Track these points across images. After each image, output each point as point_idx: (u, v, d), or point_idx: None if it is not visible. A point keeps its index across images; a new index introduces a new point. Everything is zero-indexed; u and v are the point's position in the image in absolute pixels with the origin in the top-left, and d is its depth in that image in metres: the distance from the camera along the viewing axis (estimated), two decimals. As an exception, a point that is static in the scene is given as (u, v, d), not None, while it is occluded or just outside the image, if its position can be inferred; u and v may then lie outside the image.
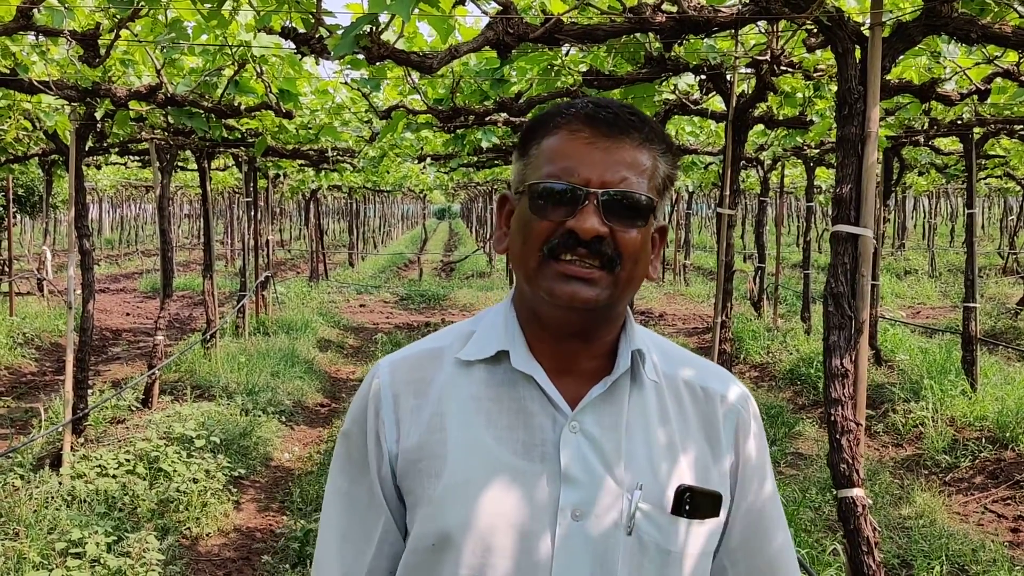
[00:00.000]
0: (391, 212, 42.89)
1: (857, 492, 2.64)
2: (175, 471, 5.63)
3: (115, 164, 12.96)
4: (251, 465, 6.55)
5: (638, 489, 1.26)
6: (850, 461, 2.64)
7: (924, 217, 31.60)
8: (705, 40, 3.35)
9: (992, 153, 10.37)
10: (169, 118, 5.47)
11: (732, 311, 4.92)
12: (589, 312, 1.26)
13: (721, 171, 4.75)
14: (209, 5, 2.71)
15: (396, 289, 19.07)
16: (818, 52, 3.57)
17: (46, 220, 15.32)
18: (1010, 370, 8.69)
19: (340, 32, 2.44)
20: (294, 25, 2.68)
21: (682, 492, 1.27)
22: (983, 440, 6.68)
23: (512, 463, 1.26)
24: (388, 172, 12.91)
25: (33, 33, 3.16)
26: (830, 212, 3.42)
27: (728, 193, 4.55)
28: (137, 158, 11.39)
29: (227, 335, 10.68)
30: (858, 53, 2.88)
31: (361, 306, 16.52)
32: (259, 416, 7.49)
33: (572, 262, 1.23)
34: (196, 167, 10.28)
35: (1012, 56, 4.23)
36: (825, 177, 16.19)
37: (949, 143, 9.55)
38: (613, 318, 1.31)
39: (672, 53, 3.66)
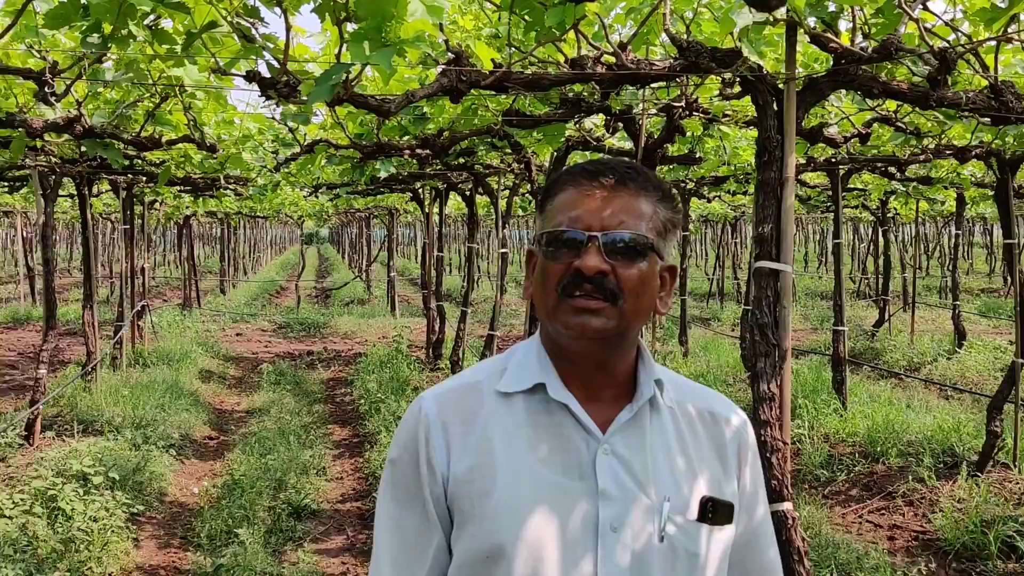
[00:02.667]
0: (260, 237, 41.98)
1: (787, 506, 2.88)
2: (74, 510, 5.46)
3: (-22, 189, 12.33)
4: (147, 501, 6.39)
5: (666, 501, 1.44)
6: (780, 478, 2.88)
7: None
8: (628, 88, 3.58)
9: (853, 186, 11.13)
10: (83, 147, 5.33)
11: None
12: (601, 341, 1.44)
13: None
14: (167, 46, 2.75)
15: (273, 317, 18.73)
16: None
17: None
18: (874, 388, 9.33)
19: (315, 79, 2.54)
20: (257, 70, 2.74)
21: (705, 501, 1.47)
22: (856, 455, 7.16)
23: (556, 482, 1.43)
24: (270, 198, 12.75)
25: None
26: (751, 249, 3.69)
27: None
28: (4, 184, 10.92)
29: (105, 367, 10.32)
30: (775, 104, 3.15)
31: (238, 335, 16.18)
32: (151, 451, 7.29)
33: (581, 297, 1.41)
34: (73, 193, 9.93)
35: (891, 104, 4.65)
36: (696, 207, 16.92)
37: (815, 177, 10.21)
38: (625, 348, 1.49)
39: (600, 100, 3.88)
